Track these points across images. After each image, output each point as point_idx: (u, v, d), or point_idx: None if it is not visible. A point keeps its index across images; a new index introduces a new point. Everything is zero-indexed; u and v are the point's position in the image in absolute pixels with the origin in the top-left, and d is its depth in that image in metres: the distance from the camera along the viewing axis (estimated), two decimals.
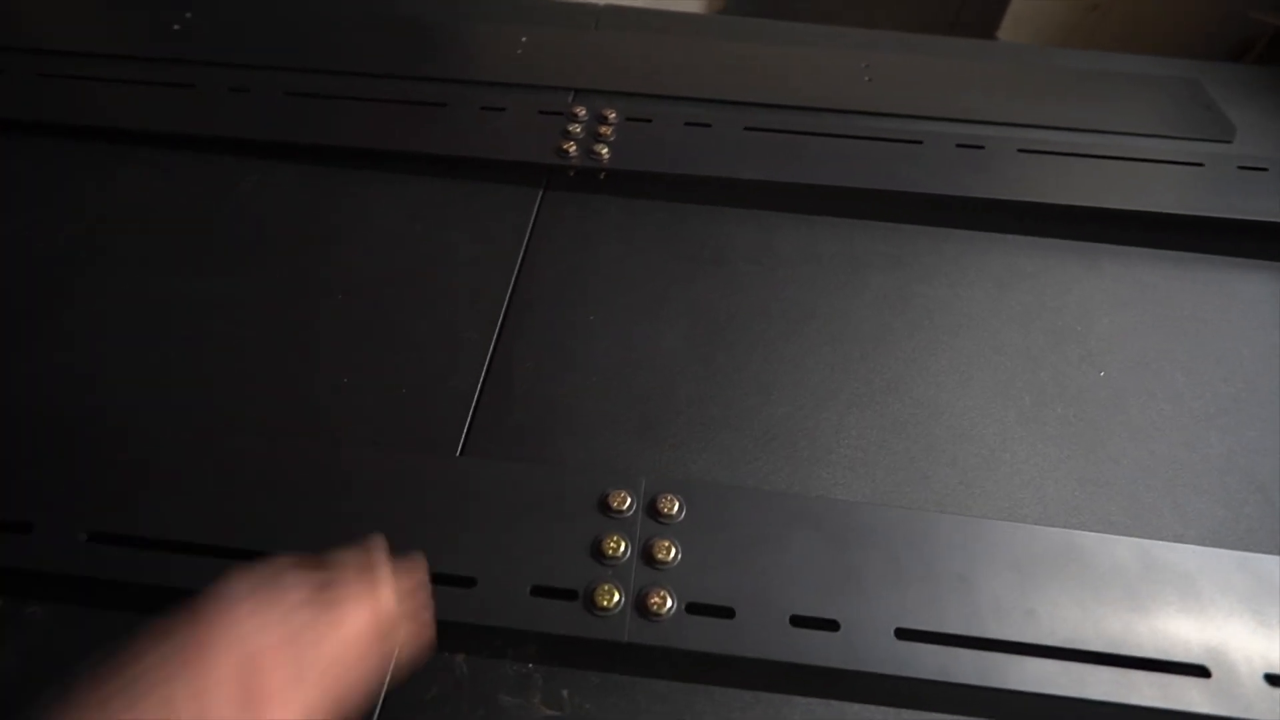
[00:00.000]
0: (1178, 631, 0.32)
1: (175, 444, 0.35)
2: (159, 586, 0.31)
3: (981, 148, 0.53)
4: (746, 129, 0.54)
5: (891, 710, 0.31)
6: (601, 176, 0.52)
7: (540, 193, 0.52)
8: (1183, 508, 0.39)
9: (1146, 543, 0.35)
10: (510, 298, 0.46)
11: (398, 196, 0.52)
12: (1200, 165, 0.53)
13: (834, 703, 0.31)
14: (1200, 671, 0.31)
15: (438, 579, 0.32)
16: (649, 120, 0.54)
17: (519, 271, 0.47)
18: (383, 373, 0.42)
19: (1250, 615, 0.33)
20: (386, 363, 0.42)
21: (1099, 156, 0.53)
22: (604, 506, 0.34)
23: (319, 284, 0.46)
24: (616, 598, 0.31)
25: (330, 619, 0.24)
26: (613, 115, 0.54)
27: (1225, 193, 0.51)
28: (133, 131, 0.54)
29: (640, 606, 0.31)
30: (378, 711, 0.30)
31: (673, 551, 0.33)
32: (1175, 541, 0.36)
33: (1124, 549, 0.34)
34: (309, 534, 0.33)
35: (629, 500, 0.34)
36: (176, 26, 0.63)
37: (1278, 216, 0.49)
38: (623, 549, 0.33)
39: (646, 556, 0.33)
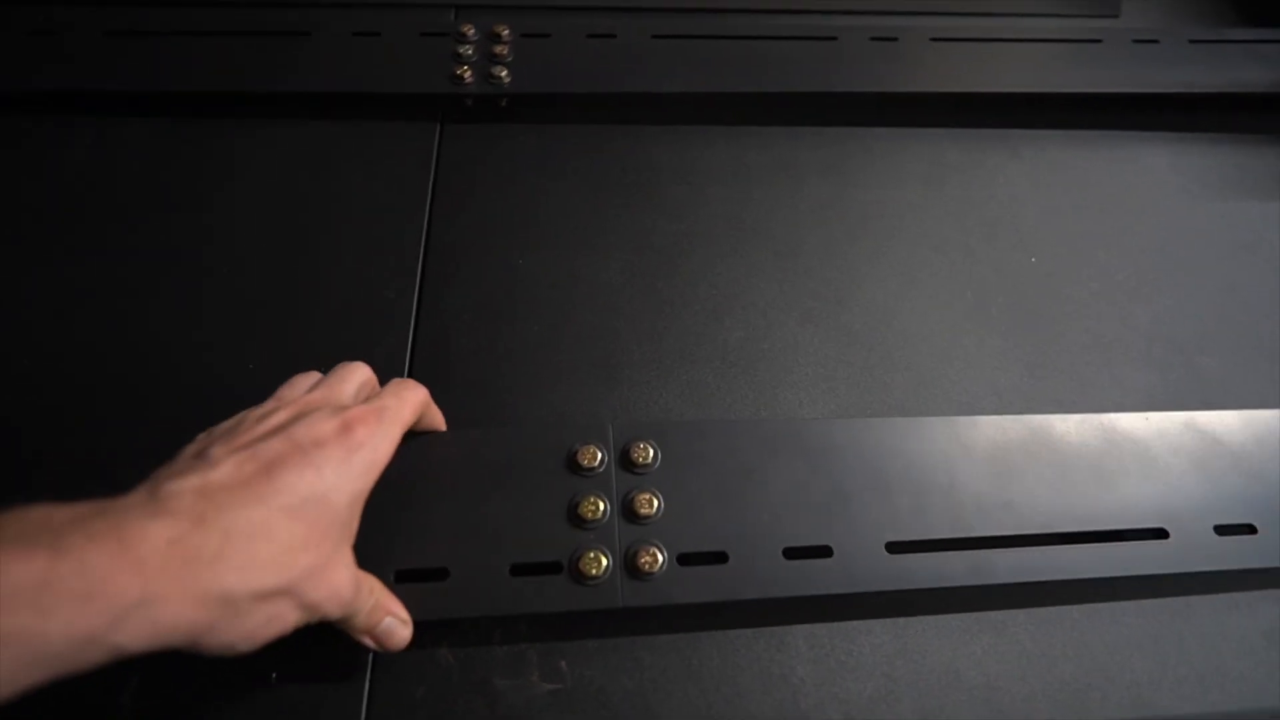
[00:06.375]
0: (1137, 500, 0.33)
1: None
2: None
3: (895, 40, 0.51)
4: (654, 37, 0.50)
5: (889, 620, 0.31)
6: (503, 103, 0.47)
7: (438, 126, 0.46)
8: (1120, 379, 0.40)
9: (1107, 417, 0.35)
10: (425, 247, 0.41)
11: (270, 146, 0.45)
12: (1099, 41, 0.53)
13: (833, 625, 0.31)
14: (1160, 534, 0.33)
15: (403, 576, 0.29)
16: (547, 35, 0.49)
17: (430, 216, 0.42)
18: (296, 350, 0.37)
19: (1198, 473, 0.34)
20: (298, 338, 0.37)
21: (1007, 40, 0.53)
22: (573, 465, 0.31)
23: (196, 260, 0.40)
24: (604, 563, 0.29)
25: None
26: (506, 33, 0.48)
27: (1124, 67, 0.52)
28: None
29: (630, 568, 0.29)
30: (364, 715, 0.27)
31: (655, 503, 0.31)
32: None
33: (1087, 426, 0.35)
34: None
35: (599, 455, 0.32)
36: None
37: (1171, 88, 0.51)
38: (602, 509, 0.30)
39: (628, 513, 0.30)
